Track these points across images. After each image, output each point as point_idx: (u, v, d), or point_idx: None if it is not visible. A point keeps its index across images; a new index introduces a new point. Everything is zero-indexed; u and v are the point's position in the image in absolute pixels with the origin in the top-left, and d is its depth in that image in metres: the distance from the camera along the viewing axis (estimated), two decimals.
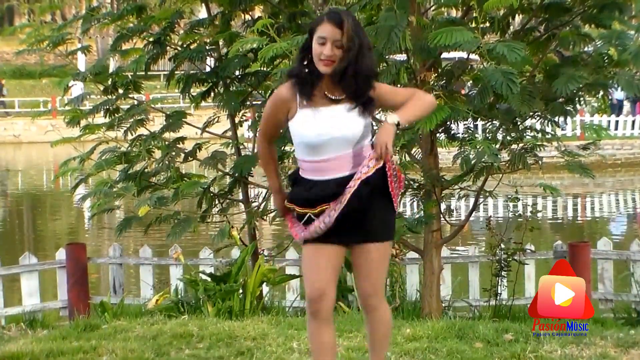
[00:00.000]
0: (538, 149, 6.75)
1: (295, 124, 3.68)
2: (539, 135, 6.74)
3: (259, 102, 7.71)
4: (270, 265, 7.22)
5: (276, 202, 3.98)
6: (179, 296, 7.19)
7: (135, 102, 7.69)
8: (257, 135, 3.94)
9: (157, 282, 7.97)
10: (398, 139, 6.23)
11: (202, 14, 7.95)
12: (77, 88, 9.62)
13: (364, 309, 3.92)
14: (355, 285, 3.88)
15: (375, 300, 3.85)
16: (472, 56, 6.29)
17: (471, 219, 7.59)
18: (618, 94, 20.09)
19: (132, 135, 7.45)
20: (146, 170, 7.41)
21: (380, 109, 4.72)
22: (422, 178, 6.87)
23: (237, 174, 7.40)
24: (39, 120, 30.65)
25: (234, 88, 7.58)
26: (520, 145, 6.70)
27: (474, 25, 5.96)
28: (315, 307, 3.75)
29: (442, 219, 7.03)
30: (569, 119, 7.26)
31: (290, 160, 6.95)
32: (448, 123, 6.73)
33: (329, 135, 3.63)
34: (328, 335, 3.81)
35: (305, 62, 3.68)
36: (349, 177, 3.63)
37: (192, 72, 7.57)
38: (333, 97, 3.66)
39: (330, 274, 3.75)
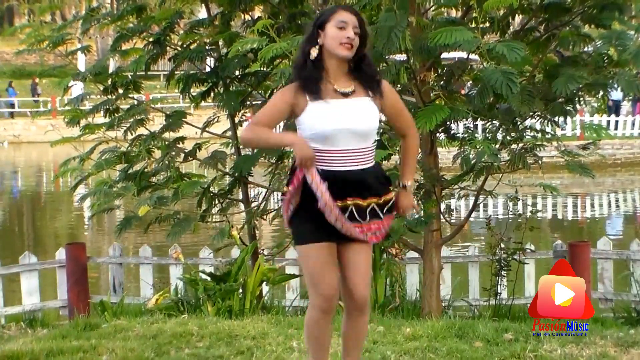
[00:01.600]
0: (538, 149, 6.75)
1: (307, 117, 3.63)
2: (539, 135, 6.75)
3: (259, 102, 7.71)
4: (270, 265, 7.22)
5: (302, 144, 3.57)
6: (179, 295, 7.19)
7: (135, 102, 7.70)
8: (245, 128, 3.78)
9: (157, 282, 7.97)
10: (398, 139, 6.23)
11: (202, 14, 7.95)
12: (77, 88, 9.61)
13: (354, 310, 3.84)
14: (346, 287, 3.80)
15: (366, 302, 3.83)
16: (472, 56, 6.30)
17: (471, 218, 7.60)
18: (615, 95, 20.07)
19: (132, 135, 7.46)
20: (146, 170, 7.41)
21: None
22: (422, 178, 6.88)
23: (236, 174, 7.40)
24: (38, 120, 30.68)
25: (234, 88, 7.58)
26: (520, 145, 6.70)
27: (473, 25, 5.97)
28: (329, 305, 3.75)
29: (442, 218, 7.03)
30: (568, 119, 7.26)
31: (290, 160, 6.95)
32: (448, 123, 6.73)
33: (345, 126, 3.61)
34: (331, 330, 3.89)
35: (309, 55, 3.66)
36: (369, 170, 3.67)
37: (192, 72, 7.58)
38: (342, 91, 3.66)
39: (337, 272, 3.76)
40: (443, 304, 7.18)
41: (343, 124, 3.61)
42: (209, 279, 6.91)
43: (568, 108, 6.60)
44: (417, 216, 6.82)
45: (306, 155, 3.53)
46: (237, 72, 7.37)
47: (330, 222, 3.63)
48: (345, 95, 3.66)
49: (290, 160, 6.98)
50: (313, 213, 3.63)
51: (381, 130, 6.61)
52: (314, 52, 3.65)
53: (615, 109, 26.36)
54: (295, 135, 3.66)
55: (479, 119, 6.87)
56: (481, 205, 9.20)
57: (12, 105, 38.12)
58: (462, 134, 6.95)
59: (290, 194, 3.69)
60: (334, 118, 3.61)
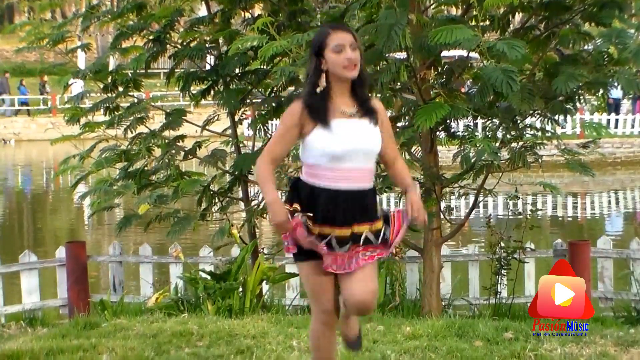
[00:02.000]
0: (538, 147, 6.74)
1: (315, 139, 3.64)
2: (539, 133, 6.74)
3: (259, 100, 7.71)
4: (270, 264, 7.21)
5: (279, 210, 3.59)
6: (179, 294, 7.18)
7: (135, 100, 7.69)
8: (260, 158, 3.75)
9: (157, 281, 7.96)
10: (398, 137, 6.23)
11: (202, 12, 7.95)
12: (77, 86, 9.61)
13: (351, 313, 3.85)
14: (348, 293, 3.78)
15: (369, 309, 3.82)
16: (472, 54, 6.29)
17: (471, 217, 7.59)
18: (615, 93, 20.05)
19: (132, 133, 7.45)
20: (146, 168, 7.41)
21: None
22: (422, 176, 6.87)
23: (237, 172, 7.40)
24: (38, 118, 30.66)
25: (234, 86, 7.58)
26: (520, 143, 6.70)
27: (474, 23, 5.96)
28: (331, 317, 3.83)
29: (442, 217, 7.03)
30: (568, 117, 7.26)
31: (290, 159, 6.93)
32: (448, 121, 6.73)
33: (353, 146, 3.64)
34: (336, 338, 3.98)
35: (317, 87, 3.67)
36: (369, 191, 3.71)
37: (192, 70, 7.58)
38: (348, 112, 3.68)
39: (334, 288, 3.81)
40: (443, 303, 7.17)
41: (352, 145, 3.65)
42: (209, 277, 6.90)
43: (568, 106, 6.59)
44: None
45: (279, 222, 3.56)
46: (237, 70, 7.37)
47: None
48: (351, 116, 3.69)
49: (290, 159, 6.94)
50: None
51: None
52: (322, 83, 3.67)
53: (615, 107, 26.35)
54: (275, 197, 3.62)
55: (479, 117, 6.86)
56: (481, 204, 9.18)
57: (25, 104, 38.01)
58: (462, 132, 6.95)
59: (290, 243, 3.73)
60: (342, 139, 3.64)
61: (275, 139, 3.75)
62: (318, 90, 3.67)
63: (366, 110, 3.71)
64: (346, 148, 3.63)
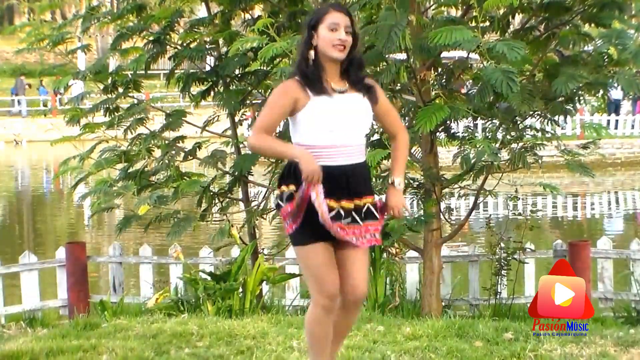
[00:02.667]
0: (538, 148, 6.74)
1: (309, 112, 3.67)
2: (539, 134, 6.74)
3: (259, 101, 7.71)
4: (270, 264, 7.22)
5: (310, 158, 3.58)
6: (179, 295, 7.18)
7: (135, 101, 7.69)
8: (251, 136, 3.77)
9: (157, 281, 7.96)
10: None
11: (202, 12, 7.95)
12: (77, 87, 9.61)
13: (352, 304, 3.87)
14: (346, 282, 3.82)
15: (364, 296, 3.89)
16: (472, 55, 6.29)
17: (471, 218, 7.60)
18: (615, 94, 20.06)
19: (132, 134, 7.45)
20: (146, 169, 7.41)
21: None
22: (422, 177, 6.87)
23: (237, 173, 7.40)
24: (38, 119, 30.65)
25: (234, 87, 7.58)
26: (520, 144, 6.70)
27: (473, 24, 5.96)
28: (333, 303, 3.79)
29: (442, 218, 7.03)
30: (569, 118, 7.26)
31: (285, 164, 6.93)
32: (448, 122, 6.73)
33: (346, 120, 3.69)
34: (332, 329, 3.91)
35: (308, 58, 3.71)
36: (364, 164, 3.78)
37: (192, 71, 7.57)
38: (338, 89, 3.72)
39: (337, 271, 3.79)
40: (443, 304, 7.17)
41: (345, 118, 3.69)
42: (209, 278, 6.90)
43: (568, 107, 6.59)
44: (417, 215, 6.82)
45: (313, 170, 3.56)
46: (237, 71, 7.37)
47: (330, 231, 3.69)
48: (341, 92, 3.73)
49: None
50: (309, 216, 3.66)
51: (381, 129, 6.61)
52: (311, 55, 3.71)
53: (615, 108, 26.35)
54: (302, 149, 3.66)
55: (479, 118, 6.87)
56: (481, 205, 9.18)
57: (44, 104, 37.97)
58: (462, 133, 6.95)
59: (292, 212, 3.69)
60: (336, 112, 3.68)
61: (266, 112, 3.74)
62: (309, 60, 3.69)
63: (359, 87, 3.75)
64: (339, 121, 3.67)
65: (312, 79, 3.68)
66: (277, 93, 3.75)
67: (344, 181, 3.69)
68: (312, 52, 3.71)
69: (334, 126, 3.67)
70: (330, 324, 3.86)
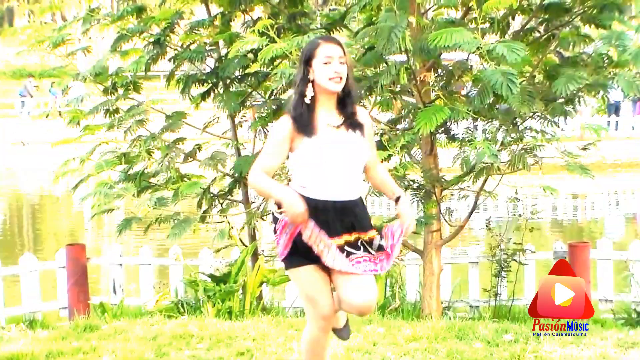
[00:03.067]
0: (538, 150, 6.74)
1: (304, 152, 3.68)
2: (539, 135, 6.74)
3: (259, 103, 7.71)
4: (270, 266, 7.22)
5: (296, 200, 3.56)
6: (179, 297, 7.19)
7: (135, 103, 7.69)
8: (251, 171, 3.75)
9: (157, 283, 7.96)
10: (398, 140, 6.24)
11: (202, 14, 7.94)
12: (77, 88, 9.60)
13: (357, 314, 3.87)
14: (346, 299, 3.78)
15: (369, 310, 3.81)
16: (472, 57, 6.29)
17: (471, 219, 7.59)
18: (615, 95, 20.06)
19: (131, 135, 7.45)
20: (146, 170, 7.41)
21: None
22: (422, 178, 6.87)
23: (236, 175, 7.39)
24: (38, 120, 30.61)
25: (234, 88, 7.58)
26: (520, 145, 6.70)
27: (473, 25, 5.96)
28: (329, 323, 3.83)
29: (442, 219, 7.03)
30: (569, 119, 7.25)
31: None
32: (448, 123, 6.73)
33: (341, 158, 3.69)
34: (329, 340, 3.96)
35: (306, 94, 3.71)
36: (358, 201, 3.77)
37: (192, 72, 7.57)
38: (334, 124, 3.73)
39: (330, 290, 3.81)
40: (443, 305, 7.17)
41: (339, 156, 3.69)
42: (209, 280, 6.91)
43: (568, 108, 6.59)
44: (417, 217, 6.81)
45: (296, 212, 3.54)
46: (237, 73, 7.37)
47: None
48: (337, 127, 3.73)
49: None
50: (300, 240, 3.67)
51: (381, 130, 6.62)
52: (309, 93, 3.71)
53: (615, 109, 26.34)
54: (287, 190, 3.63)
55: (478, 120, 6.86)
56: (481, 206, 9.17)
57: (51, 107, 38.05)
58: (462, 134, 6.95)
59: (282, 241, 3.73)
60: (330, 151, 3.68)
61: (266, 153, 3.76)
62: (306, 100, 3.70)
63: (353, 123, 3.76)
64: (333, 159, 3.67)
65: (306, 122, 3.68)
66: (275, 134, 3.75)
67: (333, 216, 3.67)
68: (310, 89, 3.71)
69: (328, 165, 3.66)
70: (327, 339, 3.91)
